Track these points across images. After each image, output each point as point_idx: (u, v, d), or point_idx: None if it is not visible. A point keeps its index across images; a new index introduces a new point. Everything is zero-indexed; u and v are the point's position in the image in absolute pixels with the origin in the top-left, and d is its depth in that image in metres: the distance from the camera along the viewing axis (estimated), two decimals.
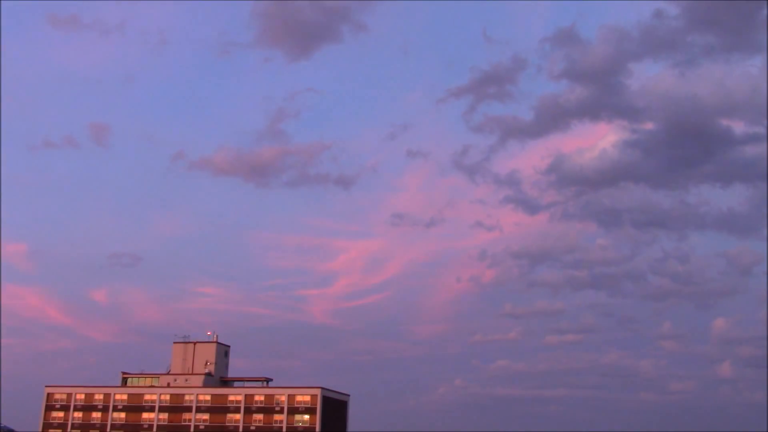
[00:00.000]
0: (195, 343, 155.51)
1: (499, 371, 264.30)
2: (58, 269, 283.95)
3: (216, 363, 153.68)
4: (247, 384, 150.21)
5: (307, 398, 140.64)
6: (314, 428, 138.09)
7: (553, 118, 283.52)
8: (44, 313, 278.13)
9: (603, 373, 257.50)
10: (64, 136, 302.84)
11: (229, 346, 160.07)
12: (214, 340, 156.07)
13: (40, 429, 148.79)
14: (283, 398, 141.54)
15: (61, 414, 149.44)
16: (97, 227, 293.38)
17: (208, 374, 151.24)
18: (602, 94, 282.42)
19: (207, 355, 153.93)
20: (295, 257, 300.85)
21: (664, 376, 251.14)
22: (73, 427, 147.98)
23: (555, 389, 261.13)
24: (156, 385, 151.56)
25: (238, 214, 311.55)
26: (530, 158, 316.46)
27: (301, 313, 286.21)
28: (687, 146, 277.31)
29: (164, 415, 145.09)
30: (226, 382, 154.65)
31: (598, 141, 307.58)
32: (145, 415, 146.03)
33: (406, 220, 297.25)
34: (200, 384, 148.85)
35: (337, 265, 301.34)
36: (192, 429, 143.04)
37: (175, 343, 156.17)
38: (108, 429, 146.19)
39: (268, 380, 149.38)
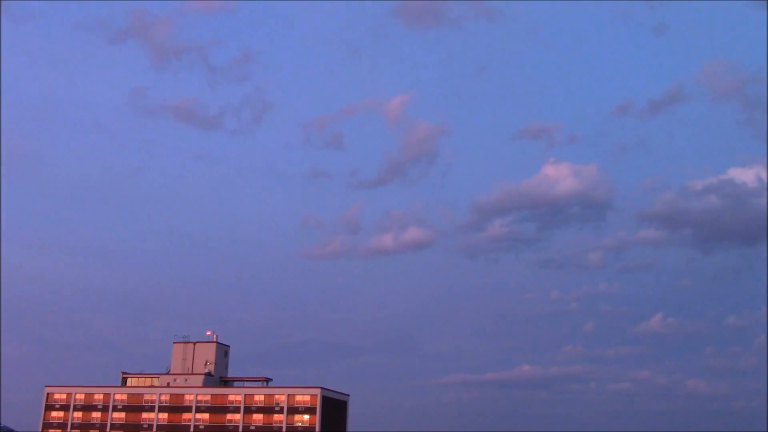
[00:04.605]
0: (195, 343, 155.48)
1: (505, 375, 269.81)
2: None
3: (216, 363, 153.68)
4: (246, 384, 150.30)
5: (307, 398, 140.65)
6: (314, 428, 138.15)
7: None
8: None
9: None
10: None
11: (228, 346, 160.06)
12: (214, 340, 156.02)
13: (40, 429, 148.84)
14: (283, 398, 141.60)
15: (61, 414, 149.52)
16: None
17: (208, 374, 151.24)
18: None
19: (207, 355, 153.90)
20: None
21: None
22: (73, 427, 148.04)
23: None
24: (156, 385, 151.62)
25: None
26: None
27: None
28: None
29: (164, 415, 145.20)
30: (225, 382, 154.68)
31: None
32: (144, 415, 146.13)
33: None
34: (200, 384, 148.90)
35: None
36: (192, 429, 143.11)
37: (175, 342, 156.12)
38: (108, 429, 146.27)
39: (267, 380, 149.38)
